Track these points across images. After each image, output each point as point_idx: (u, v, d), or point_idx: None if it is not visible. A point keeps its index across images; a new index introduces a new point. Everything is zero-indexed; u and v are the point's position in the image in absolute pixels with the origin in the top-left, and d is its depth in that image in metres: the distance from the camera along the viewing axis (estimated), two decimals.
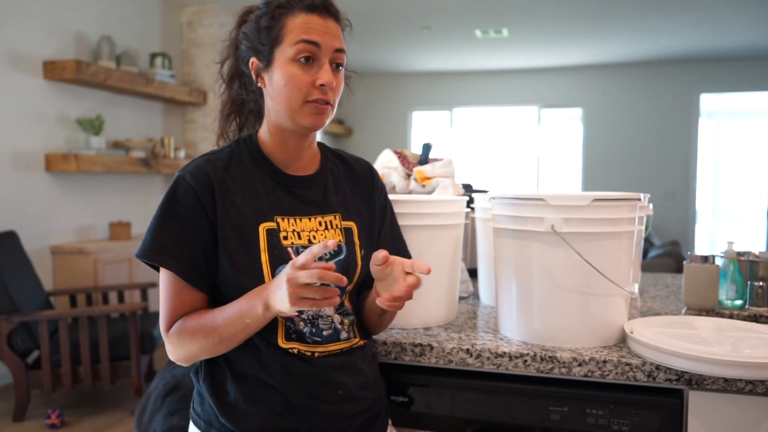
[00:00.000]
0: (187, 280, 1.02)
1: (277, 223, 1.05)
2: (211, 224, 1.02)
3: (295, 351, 1.03)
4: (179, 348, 1.02)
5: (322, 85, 1.02)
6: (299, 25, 1.02)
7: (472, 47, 6.93)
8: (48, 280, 3.94)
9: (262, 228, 1.03)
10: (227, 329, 0.98)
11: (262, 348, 1.03)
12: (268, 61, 1.05)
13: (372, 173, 1.23)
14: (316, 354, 1.04)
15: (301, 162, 1.12)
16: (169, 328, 1.03)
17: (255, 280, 1.01)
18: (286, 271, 0.91)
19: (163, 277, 1.04)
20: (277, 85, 1.03)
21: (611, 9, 5.42)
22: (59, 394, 3.45)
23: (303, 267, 0.89)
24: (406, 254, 1.22)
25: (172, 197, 1.03)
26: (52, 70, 3.91)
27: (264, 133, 1.11)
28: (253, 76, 1.08)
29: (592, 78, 7.93)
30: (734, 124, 8.37)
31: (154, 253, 1.01)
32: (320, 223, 1.09)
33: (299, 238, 1.06)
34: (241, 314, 0.97)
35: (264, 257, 1.02)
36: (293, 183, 1.10)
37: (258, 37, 1.06)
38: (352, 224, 1.13)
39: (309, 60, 1.02)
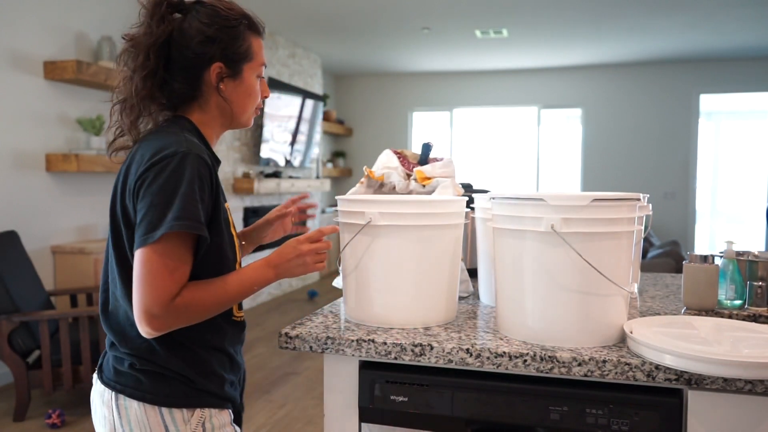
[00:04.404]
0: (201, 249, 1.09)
1: None
2: (213, 202, 1.11)
3: (240, 319, 1.22)
4: (181, 318, 1.06)
5: (265, 97, 1.29)
6: (261, 48, 1.24)
7: (472, 47, 6.93)
8: (48, 279, 3.94)
9: (227, 207, 1.20)
10: (236, 296, 1.11)
11: (219, 320, 1.16)
12: (235, 72, 1.20)
13: None
14: (243, 317, 1.25)
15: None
16: (173, 298, 1.04)
17: (232, 254, 1.17)
18: (299, 246, 1.15)
19: (176, 246, 1.04)
20: (243, 93, 1.22)
21: (611, 9, 5.42)
22: (60, 393, 3.44)
23: (312, 240, 1.16)
24: None
25: (192, 170, 1.05)
26: (53, 70, 3.91)
27: (201, 125, 1.21)
28: (213, 79, 1.18)
29: (592, 78, 7.94)
30: (734, 124, 8.38)
31: (199, 223, 1.05)
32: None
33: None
34: (252, 283, 1.13)
35: (234, 233, 1.20)
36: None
37: (233, 46, 1.18)
38: None
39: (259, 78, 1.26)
